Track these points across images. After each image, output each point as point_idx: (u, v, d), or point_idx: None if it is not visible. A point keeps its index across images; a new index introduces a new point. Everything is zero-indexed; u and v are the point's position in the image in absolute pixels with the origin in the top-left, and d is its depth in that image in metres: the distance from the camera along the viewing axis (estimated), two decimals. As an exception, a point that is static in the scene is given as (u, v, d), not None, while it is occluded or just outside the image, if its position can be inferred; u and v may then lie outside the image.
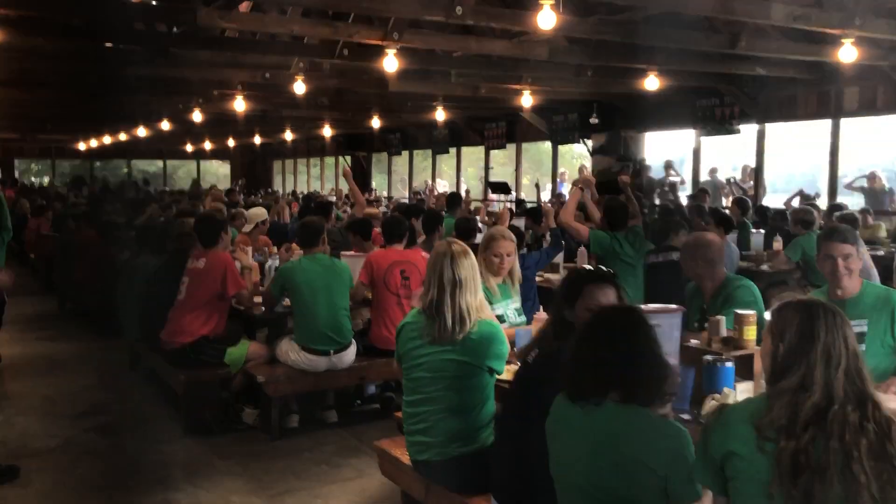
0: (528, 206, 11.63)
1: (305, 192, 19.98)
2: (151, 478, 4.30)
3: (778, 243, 7.66)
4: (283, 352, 4.99)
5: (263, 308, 5.33)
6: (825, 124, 10.35)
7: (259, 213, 7.81)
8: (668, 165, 12.99)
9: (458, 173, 18.17)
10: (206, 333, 5.04)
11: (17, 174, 25.00)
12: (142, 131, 17.86)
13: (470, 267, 3.13)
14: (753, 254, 7.78)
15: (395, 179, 21.11)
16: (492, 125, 15.97)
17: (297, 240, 5.48)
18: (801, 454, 1.83)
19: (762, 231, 8.45)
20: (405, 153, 19.66)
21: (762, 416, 1.92)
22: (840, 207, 8.47)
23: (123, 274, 6.32)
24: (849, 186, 10.54)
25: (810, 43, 7.94)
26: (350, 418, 5.23)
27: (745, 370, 2.99)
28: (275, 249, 6.80)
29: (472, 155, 18.46)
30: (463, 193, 13.67)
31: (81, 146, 23.28)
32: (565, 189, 14.19)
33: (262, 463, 4.51)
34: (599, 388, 2.19)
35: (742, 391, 2.84)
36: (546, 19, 5.79)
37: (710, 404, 2.73)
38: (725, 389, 2.81)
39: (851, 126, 10.35)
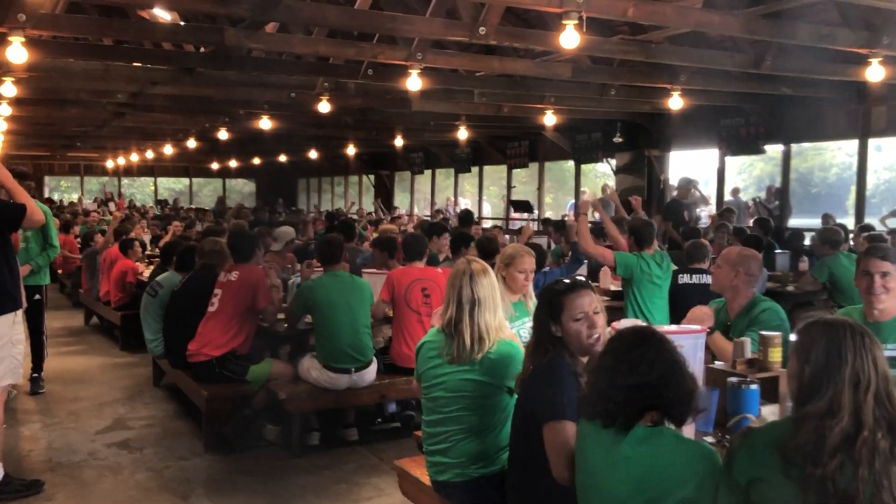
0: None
1: (330, 209, 20.13)
2: (173, 493, 4.32)
3: (804, 264, 7.54)
4: (305, 369, 5.01)
5: (286, 325, 5.36)
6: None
7: (288, 231, 7.87)
8: (693, 185, 12.86)
9: (481, 192, 18.19)
10: (234, 348, 5.09)
11: (47, 191, 25.46)
12: (168, 149, 18.17)
13: (489, 286, 3.10)
14: (779, 274, 7.67)
15: (417, 198, 21.19)
16: (514, 144, 15.98)
17: (319, 257, 5.51)
18: (828, 481, 1.78)
19: (787, 251, 8.33)
20: (428, 172, 19.74)
21: (788, 440, 1.86)
22: (869, 228, 8.33)
23: (148, 290, 6.38)
24: (883, 220, 10.30)
25: (837, 62, 7.85)
26: (370, 436, 5.22)
27: (770, 392, 2.94)
28: (298, 266, 6.84)
29: (495, 174, 18.48)
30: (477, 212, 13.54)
31: (109, 163, 23.69)
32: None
33: (282, 480, 4.51)
34: (636, 411, 2.13)
35: (768, 414, 2.79)
36: (569, 39, 5.76)
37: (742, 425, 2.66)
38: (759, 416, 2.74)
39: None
